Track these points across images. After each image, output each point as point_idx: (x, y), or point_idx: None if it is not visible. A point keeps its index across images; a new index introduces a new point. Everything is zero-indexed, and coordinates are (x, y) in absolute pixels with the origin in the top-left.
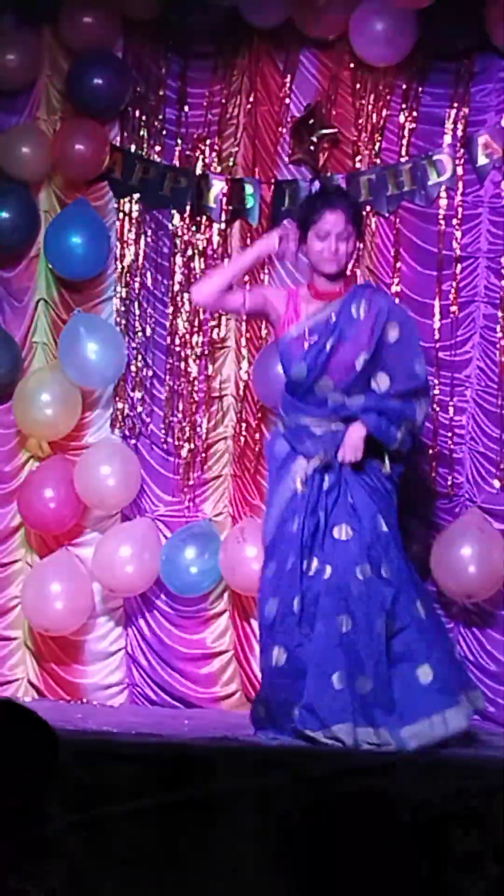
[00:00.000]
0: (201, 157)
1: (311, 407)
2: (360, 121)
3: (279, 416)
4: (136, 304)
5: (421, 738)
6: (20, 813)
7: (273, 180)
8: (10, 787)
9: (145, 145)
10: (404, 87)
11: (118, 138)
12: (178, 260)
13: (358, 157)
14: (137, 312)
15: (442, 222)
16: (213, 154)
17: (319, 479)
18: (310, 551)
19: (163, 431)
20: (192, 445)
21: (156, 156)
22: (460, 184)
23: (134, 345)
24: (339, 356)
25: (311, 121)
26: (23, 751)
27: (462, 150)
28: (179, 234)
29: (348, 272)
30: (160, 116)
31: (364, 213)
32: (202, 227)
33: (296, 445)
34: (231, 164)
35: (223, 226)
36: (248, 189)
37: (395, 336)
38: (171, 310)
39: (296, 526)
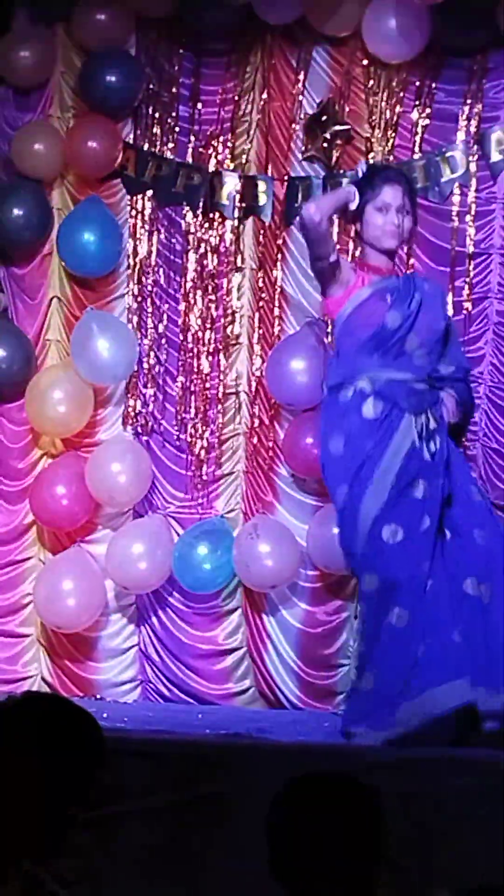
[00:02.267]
0: (214, 154)
1: (403, 363)
2: (373, 117)
3: (354, 379)
4: (148, 300)
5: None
6: (62, 801)
7: (286, 177)
8: (59, 773)
9: (158, 142)
10: (417, 83)
11: (131, 135)
12: (191, 257)
13: (371, 154)
14: (150, 309)
15: (455, 219)
16: (226, 151)
17: (429, 438)
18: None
19: (175, 428)
20: (205, 442)
21: (169, 153)
22: (474, 180)
23: (146, 342)
24: (424, 316)
25: (325, 117)
26: (74, 741)
27: (475, 147)
28: (192, 231)
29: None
30: (173, 113)
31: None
32: (215, 224)
33: (400, 401)
34: (244, 161)
35: (236, 223)
36: (261, 186)
37: (447, 324)
38: (183, 306)
39: (422, 489)
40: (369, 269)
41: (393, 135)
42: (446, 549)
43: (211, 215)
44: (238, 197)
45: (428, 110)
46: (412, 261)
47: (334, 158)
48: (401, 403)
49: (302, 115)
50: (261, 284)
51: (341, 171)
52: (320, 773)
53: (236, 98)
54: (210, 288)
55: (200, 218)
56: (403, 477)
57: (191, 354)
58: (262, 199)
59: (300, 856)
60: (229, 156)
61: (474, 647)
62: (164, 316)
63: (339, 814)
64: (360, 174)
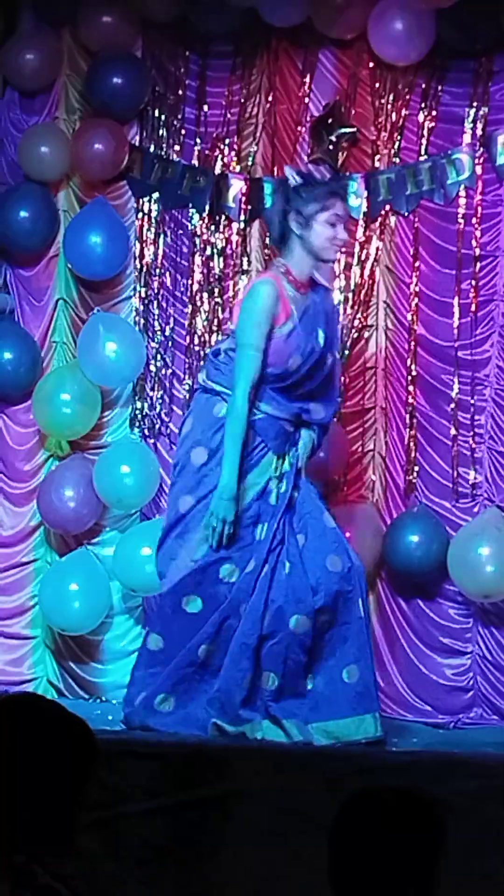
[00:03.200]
0: (220, 156)
1: (283, 402)
2: (379, 120)
3: (242, 402)
4: (155, 303)
5: (331, 737)
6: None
7: None
8: (46, 770)
9: (164, 145)
10: (423, 86)
11: (137, 138)
12: (197, 259)
13: (377, 157)
14: (156, 312)
15: (461, 221)
16: (232, 153)
17: (280, 478)
18: (275, 554)
19: None
20: None
21: (175, 155)
22: (480, 183)
23: (153, 344)
24: (321, 359)
25: (331, 120)
26: (54, 743)
27: (481, 149)
28: (198, 233)
29: None
30: (179, 116)
31: (383, 212)
32: (221, 226)
33: (268, 440)
34: (250, 163)
35: (242, 225)
36: (267, 188)
37: (334, 362)
38: (189, 309)
39: (259, 529)
40: (292, 281)
41: (399, 137)
42: (277, 586)
43: (217, 218)
44: (244, 199)
45: (434, 113)
46: (418, 263)
47: (340, 161)
48: (268, 442)
49: (308, 118)
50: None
51: (348, 174)
52: (387, 787)
53: (242, 100)
54: (216, 291)
55: (206, 220)
56: (245, 513)
57: (197, 357)
58: (269, 202)
59: (362, 872)
60: (235, 158)
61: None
62: (171, 318)
63: (403, 830)
64: (294, 179)
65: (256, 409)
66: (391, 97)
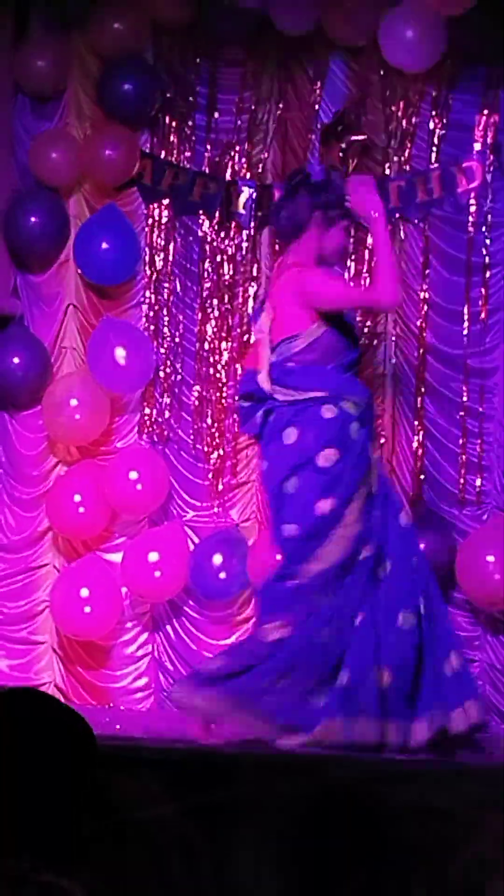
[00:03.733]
0: (231, 163)
1: (359, 388)
2: (389, 127)
3: (339, 399)
4: (164, 309)
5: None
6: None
7: None
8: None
9: (175, 151)
10: (434, 93)
11: (148, 144)
12: (207, 266)
13: (387, 164)
14: (166, 318)
15: (471, 229)
16: (243, 160)
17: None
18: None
19: (191, 437)
20: (221, 451)
21: (185, 162)
22: (490, 191)
23: (163, 350)
24: None
25: (341, 127)
26: (52, 740)
27: (492, 157)
28: (209, 239)
29: None
30: (190, 122)
31: (393, 220)
32: (231, 233)
33: (371, 429)
34: (260, 170)
35: (252, 232)
36: (278, 195)
37: None
38: (199, 315)
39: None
40: None
41: (409, 144)
42: (383, 583)
43: (227, 224)
44: (254, 206)
45: (444, 120)
46: (428, 271)
47: (350, 168)
48: (371, 433)
49: (318, 125)
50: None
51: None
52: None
53: (253, 107)
54: (226, 297)
55: (217, 227)
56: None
57: (207, 363)
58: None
59: None
60: (246, 165)
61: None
62: (181, 325)
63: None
64: (316, 175)
65: (357, 403)
66: (402, 104)
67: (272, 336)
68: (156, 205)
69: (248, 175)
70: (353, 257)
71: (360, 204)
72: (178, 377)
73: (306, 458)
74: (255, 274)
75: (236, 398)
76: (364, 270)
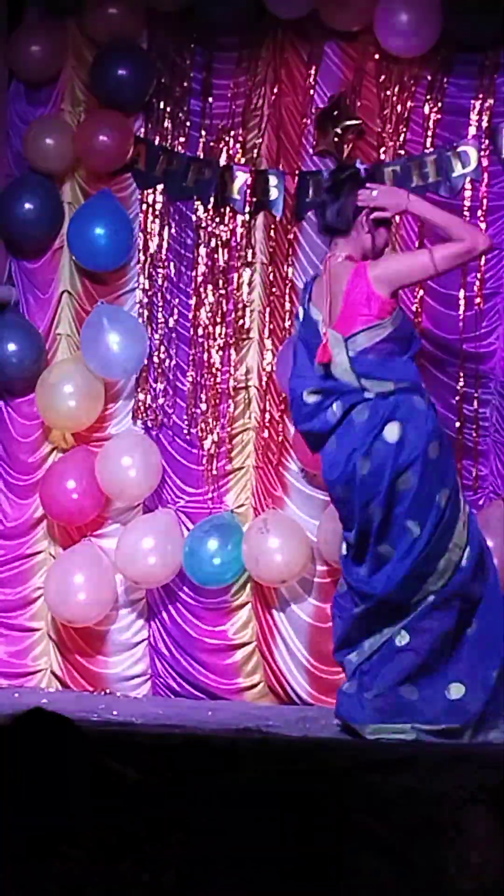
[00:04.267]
0: (225, 148)
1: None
2: (384, 112)
3: (421, 388)
4: (159, 295)
5: None
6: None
7: (297, 171)
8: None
9: (169, 137)
10: (429, 78)
11: (142, 130)
12: (202, 251)
13: (382, 149)
14: (160, 303)
15: (467, 214)
16: (237, 145)
17: None
18: None
19: (185, 423)
20: (215, 437)
21: (180, 147)
22: (485, 175)
23: (157, 336)
24: None
25: (336, 112)
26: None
27: (487, 142)
28: (203, 225)
29: None
30: (184, 108)
31: None
32: (226, 218)
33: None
34: (255, 155)
35: (247, 217)
36: (273, 180)
37: None
38: (194, 301)
39: None
40: None
41: (404, 129)
42: None
43: (222, 210)
44: (249, 191)
45: (439, 105)
46: None
47: (346, 153)
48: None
49: (313, 110)
50: (272, 279)
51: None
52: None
53: (247, 92)
54: (221, 282)
55: (211, 212)
56: None
57: (201, 349)
58: (274, 194)
59: None
60: (240, 150)
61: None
62: (175, 310)
63: None
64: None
65: (426, 392)
66: (397, 89)
67: (339, 329)
68: (150, 190)
69: (242, 160)
70: None
71: (393, 205)
72: (173, 363)
73: (418, 453)
74: (249, 259)
75: (304, 393)
76: None
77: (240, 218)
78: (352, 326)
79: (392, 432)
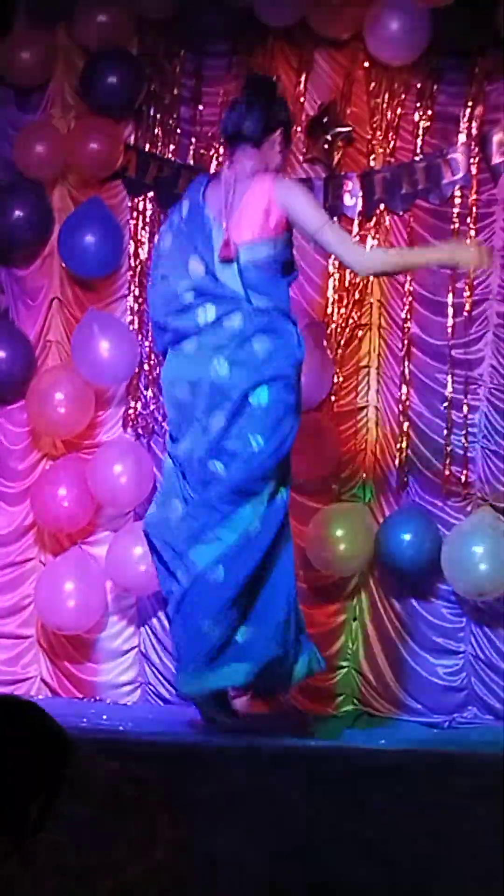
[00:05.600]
0: (216, 155)
1: None
2: (374, 119)
3: (294, 319)
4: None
5: None
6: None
7: None
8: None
9: (160, 144)
10: (419, 85)
11: (132, 137)
12: None
13: (372, 156)
14: None
15: (456, 221)
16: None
17: None
18: None
19: None
20: None
21: (170, 154)
22: (475, 182)
23: (147, 343)
24: None
25: (326, 119)
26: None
27: (477, 149)
28: None
29: None
30: (175, 115)
31: (378, 211)
32: None
33: None
34: None
35: None
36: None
37: None
38: None
39: None
40: None
41: (394, 137)
42: None
43: None
44: None
45: (429, 112)
46: None
47: (336, 160)
48: None
49: (303, 117)
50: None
51: (343, 173)
52: None
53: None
54: None
55: None
56: None
57: None
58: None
59: None
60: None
61: None
62: None
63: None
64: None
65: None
66: (386, 96)
67: (234, 235)
68: (140, 198)
69: None
70: None
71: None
72: None
73: (282, 373)
74: None
75: (180, 288)
76: None
77: None
78: (246, 234)
79: (262, 344)
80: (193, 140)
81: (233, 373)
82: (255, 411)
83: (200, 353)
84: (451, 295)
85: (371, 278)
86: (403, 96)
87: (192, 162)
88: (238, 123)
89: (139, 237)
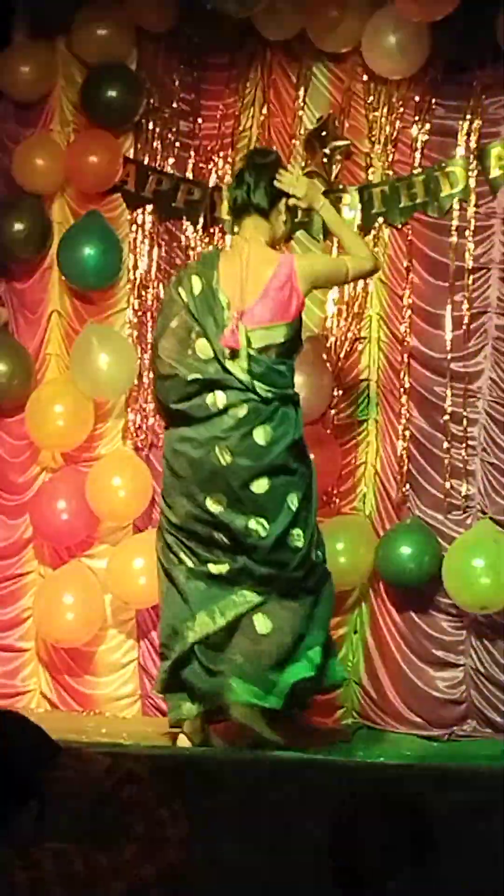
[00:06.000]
0: (214, 169)
1: None
2: (373, 133)
3: (297, 397)
4: (148, 315)
5: None
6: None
7: None
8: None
9: (159, 157)
10: (417, 99)
11: (132, 150)
12: None
13: (371, 170)
14: (150, 323)
15: (454, 234)
16: (227, 166)
17: None
18: None
19: None
20: None
21: (169, 168)
22: (473, 195)
23: (146, 356)
24: None
25: (324, 133)
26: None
27: (475, 162)
28: (192, 245)
29: None
30: (174, 128)
31: (377, 224)
32: (215, 238)
33: None
34: None
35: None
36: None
37: None
38: None
39: None
40: None
41: (392, 150)
42: None
43: (211, 230)
44: None
45: (427, 126)
46: (412, 276)
47: (334, 173)
48: None
49: (302, 131)
50: None
51: (341, 187)
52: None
53: (236, 113)
54: None
55: (201, 232)
56: None
57: None
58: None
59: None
60: (229, 171)
61: None
62: None
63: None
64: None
65: None
66: (385, 110)
67: (248, 319)
68: (139, 211)
69: (231, 181)
70: None
71: (309, 196)
72: None
73: (282, 461)
74: None
75: (187, 377)
76: None
77: (229, 238)
78: (265, 317)
79: (263, 435)
80: (192, 153)
81: (236, 461)
82: (258, 498)
83: (205, 437)
84: (449, 308)
85: (371, 291)
86: (402, 110)
87: (191, 175)
88: (247, 197)
89: (138, 250)
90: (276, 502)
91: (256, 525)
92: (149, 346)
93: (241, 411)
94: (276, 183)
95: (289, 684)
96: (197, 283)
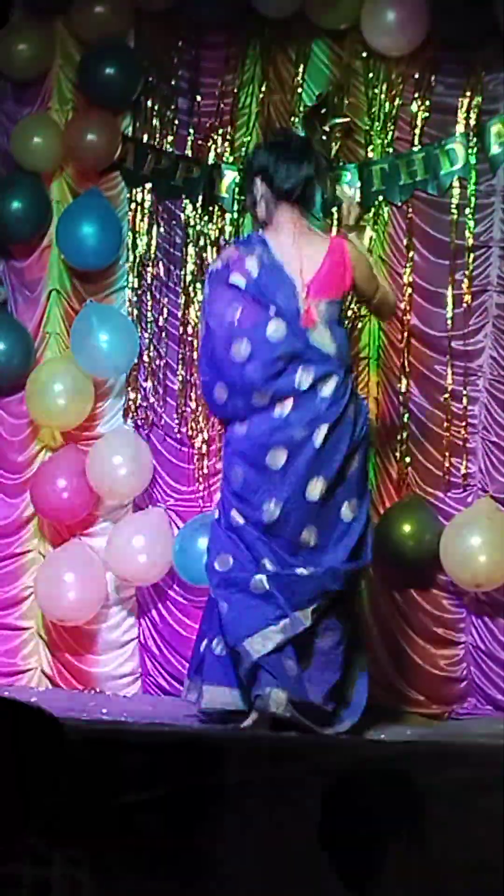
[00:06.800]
0: (213, 146)
1: None
2: (372, 110)
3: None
4: (148, 293)
5: None
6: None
7: None
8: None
9: (157, 135)
10: (417, 76)
11: (130, 128)
12: (191, 250)
13: (370, 147)
14: (150, 302)
15: (455, 211)
16: (226, 144)
17: None
18: None
19: (175, 421)
20: (205, 435)
21: (168, 146)
22: (473, 173)
23: (146, 334)
24: None
25: (324, 110)
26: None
27: (475, 139)
28: (192, 223)
29: None
30: (172, 106)
31: (377, 202)
32: (215, 217)
33: None
34: (243, 153)
35: (235, 216)
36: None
37: None
38: (183, 299)
39: None
40: None
41: (392, 127)
42: None
43: (210, 208)
44: (237, 190)
45: (427, 103)
46: (412, 254)
47: (333, 151)
48: None
49: (301, 108)
50: None
51: (340, 164)
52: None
53: (235, 91)
54: None
55: (200, 211)
56: None
57: (191, 348)
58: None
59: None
60: (229, 149)
61: None
62: (164, 309)
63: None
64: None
65: None
66: (384, 87)
67: (316, 293)
68: (138, 189)
69: (230, 159)
70: None
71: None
72: (162, 361)
73: (365, 433)
74: None
75: (276, 357)
76: None
77: (228, 216)
78: (328, 293)
79: (351, 410)
80: (191, 131)
81: (333, 440)
82: (351, 477)
83: (298, 417)
84: (450, 286)
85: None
86: (401, 87)
87: (190, 153)
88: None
89: (137, 228)
90: (363, 481)
91: (347, 509)
92: (148, 325)
93: (330, 385)
94: (338, 192)
95: None
96: (253, 265)
